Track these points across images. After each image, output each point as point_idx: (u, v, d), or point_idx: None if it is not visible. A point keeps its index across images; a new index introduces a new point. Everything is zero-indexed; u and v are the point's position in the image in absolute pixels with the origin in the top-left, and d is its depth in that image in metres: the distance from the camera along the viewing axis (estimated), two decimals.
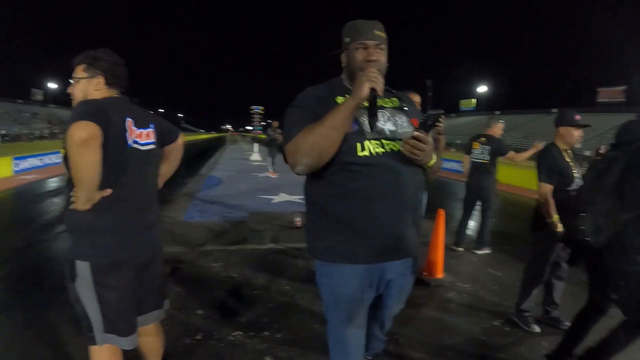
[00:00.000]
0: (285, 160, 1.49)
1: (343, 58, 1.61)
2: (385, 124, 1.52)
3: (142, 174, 1.72)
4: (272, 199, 8.03)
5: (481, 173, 4.82)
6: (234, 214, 6.47)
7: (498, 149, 4.73)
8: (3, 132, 37.83)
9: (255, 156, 18.24)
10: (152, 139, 1.80)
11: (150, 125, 1.80)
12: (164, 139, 1.92)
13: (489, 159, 4.75)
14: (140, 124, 1.72)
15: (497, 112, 59.35)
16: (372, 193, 1.44)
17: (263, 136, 20.16)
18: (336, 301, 1.56)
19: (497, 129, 4.86)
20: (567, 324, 2.69)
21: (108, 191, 1.56)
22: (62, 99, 58.03)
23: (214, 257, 4.31)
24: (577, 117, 2.86)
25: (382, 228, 1.46)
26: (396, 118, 1.57)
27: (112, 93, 1.73)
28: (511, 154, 4.78)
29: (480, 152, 4.83)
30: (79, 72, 1.69)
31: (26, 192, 9.09)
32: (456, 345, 2.70)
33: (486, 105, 63.17)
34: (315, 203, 1.55)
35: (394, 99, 1.66)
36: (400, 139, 1.49)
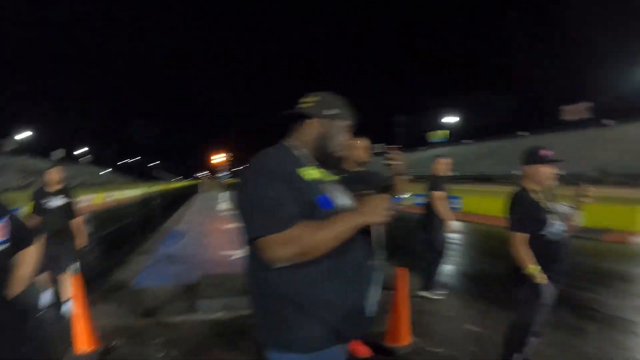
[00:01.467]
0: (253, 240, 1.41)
1: (315, 124, 1.51)
2: (341, 199, 1.49)
3: None
4: (232, 254, 7.75)
5: (425, 209, 5.04)
6: (188, 276, 6.13)
7: (432, 186, 4.97)
8: None
9: (224, 205, 17.94)
10: (3, 237, 1.46)
11: (2, 219, 1.48)
12: (16, 240, 1.57)
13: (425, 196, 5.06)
14: None
15: (470, 142, 61.68)
16: (353, 268, 1.41)
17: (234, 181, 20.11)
18: None
19: (438, 166, 5.05)
20: None
21: None
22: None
23: (155, 333, 4.04)
24: (544, 152, 2.54)
25: (365, 299, 1.43)
26: (341, 191, 1.55)
27: None
28: (436, 194, 4.87)
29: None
30: None
31: None
32: None
33: (457, 136, 65.94)
34: (287, 292, 1.38)
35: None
36: None
